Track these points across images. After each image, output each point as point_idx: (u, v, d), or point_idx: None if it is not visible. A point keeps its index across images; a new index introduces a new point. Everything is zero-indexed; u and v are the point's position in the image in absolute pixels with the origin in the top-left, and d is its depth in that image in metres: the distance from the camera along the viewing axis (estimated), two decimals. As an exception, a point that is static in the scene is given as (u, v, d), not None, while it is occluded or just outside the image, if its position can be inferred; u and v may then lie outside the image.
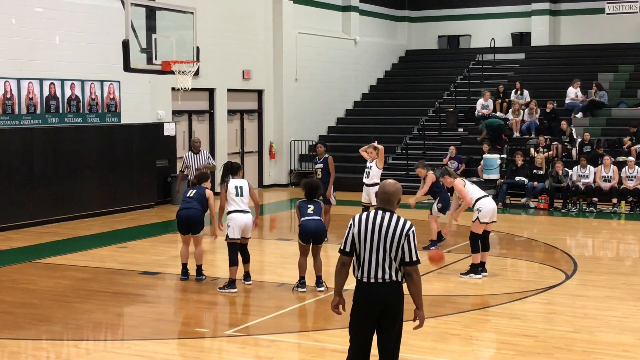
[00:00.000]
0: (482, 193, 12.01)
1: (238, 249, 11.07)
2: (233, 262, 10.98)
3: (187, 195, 11.75)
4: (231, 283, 10.98)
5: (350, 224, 6.21)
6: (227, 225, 11.00)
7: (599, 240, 16.30)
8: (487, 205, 11.83)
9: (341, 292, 6.32)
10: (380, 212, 6.19)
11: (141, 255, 13.81)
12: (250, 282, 11.34)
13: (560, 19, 30.52)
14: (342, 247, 6.21)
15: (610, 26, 28.61)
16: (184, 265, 11.76)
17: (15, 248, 14.57)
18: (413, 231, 6.16)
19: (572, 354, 8.34)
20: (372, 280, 6.08)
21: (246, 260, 11.33)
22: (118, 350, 8.59)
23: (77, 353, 8.60)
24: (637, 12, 26.88)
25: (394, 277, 6.08)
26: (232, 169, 11.26)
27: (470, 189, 11.96)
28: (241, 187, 11.10)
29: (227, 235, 11.02)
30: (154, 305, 10.66)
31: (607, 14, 27.35)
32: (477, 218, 11.80)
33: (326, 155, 15.15)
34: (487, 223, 11.90)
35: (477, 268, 11.88)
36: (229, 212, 11.02)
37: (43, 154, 16.90)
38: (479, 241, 11.91)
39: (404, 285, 6.20)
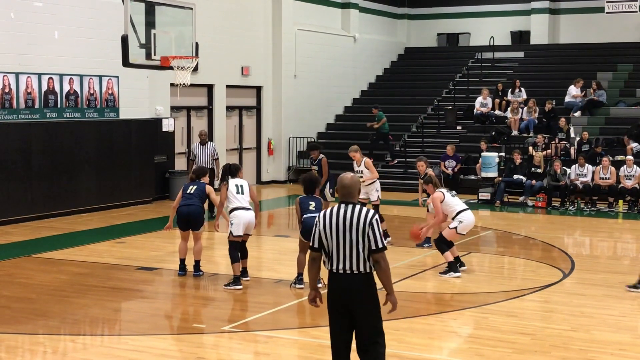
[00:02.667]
0: (464, 206, 12.04)
1: (239, 247, 11.08)
2: (235, 259, 10.99)
3: (188, 192, 11.75)
4: (236, 280, 10.99)
5: (316, 221, 6.38)
6: (231, 222, 11.00)
7: (596, 239, 16.30)
8: (469, 219, 11.92)
9: (316, 286, 6.53)
10: (342, 205, 6.33)
11: (139, 250, 13.81)
12: (247, 278, 11.35)
13: (559, 18, 30.52)
14: (310, 244, 6.40)
15: (610, 25, 28.60)
16: (182, 261, 11.77)
17: (13, 242, 14.56)
18: (376, 219, 6.28)
19: (569, 352, 8.34)
20: (341, 272, 6.25)
21: (244, 256, 11.34)
22: (115, 345, 8.59)
23: (74, 348, 8.59)
24: (636, 12, 26.84)
25: (361, 269, 6.22)
26: (231, 171, 11.34)
27: (451, 202, 11.94)
28: (242, 186, 11.18)
29: (230, 233, 11.01)
30: (151, 300, 10.66)
31: (607, 13, 27.31)
32: (456, 228, 11.84)
33: (321, 157, 15.24)
34: (462, 234, 12.06)
35: (455, 265, 11.86)
36: (232, 210, 11.03)
37: (41, 148, 16.88)
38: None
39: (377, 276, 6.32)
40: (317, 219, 6.39)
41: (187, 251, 11.78)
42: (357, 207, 6.29)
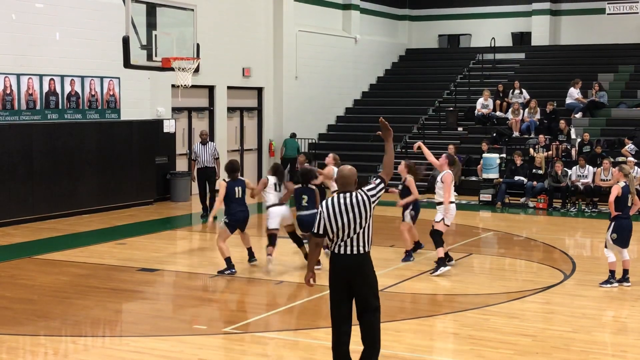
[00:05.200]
0: (453, 198, 12.22)
1: (275, 240, 11.95)
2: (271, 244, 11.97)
3: (236, 196, 11.86)
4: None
5: (320, 210, 7.05)
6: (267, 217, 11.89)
7: (597, 240, 16.26)
8: (454, 210, 12.19)
9: (313, 268, 7.22)
10: (341, 194, 7.03)
11: (140, 251, 13.80)
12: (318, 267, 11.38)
13: (560, 19, 30.51)
14: (315, 230, 7.05)
15: (611, 26, 28.58)
16: (229, 259, 11.77)
17: (14, 244, 14.56)
18: (372, 193, 6.98)
19: (570, 353, 8.34)
20: (342, 253, 6.97)
21: (300, 244, 12.21)
22: (116, 347, 8.59)
23: (75, 349, 8.60)
24: (637, 13, 26.84)
25: (361, 250, 6.98)
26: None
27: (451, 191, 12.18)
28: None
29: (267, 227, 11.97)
30: (152, 302, 10.67)
31: (608, 14, 27.32)
32: (443, 219, 12.04)
33: (306, 164, 15.31)
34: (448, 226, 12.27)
35: (445, 260, 11.97)
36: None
37: (42, 150, 16.88)
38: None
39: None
40: (320, 208, 7.07)
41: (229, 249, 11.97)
42: (354, 194, 6.99)
